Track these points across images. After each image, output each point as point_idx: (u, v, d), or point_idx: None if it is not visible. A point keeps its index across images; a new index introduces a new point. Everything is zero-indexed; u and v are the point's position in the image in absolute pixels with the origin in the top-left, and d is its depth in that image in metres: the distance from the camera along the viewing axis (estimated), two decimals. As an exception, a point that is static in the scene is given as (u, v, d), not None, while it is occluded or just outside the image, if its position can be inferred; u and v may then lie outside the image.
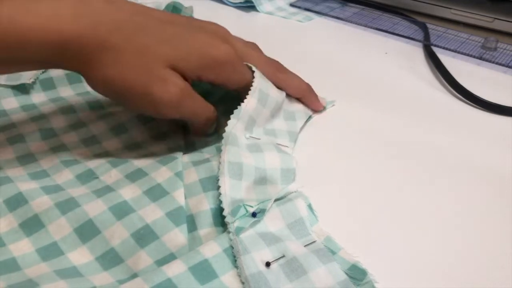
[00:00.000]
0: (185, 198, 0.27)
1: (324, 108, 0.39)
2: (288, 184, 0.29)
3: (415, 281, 0.24)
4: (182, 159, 0.30)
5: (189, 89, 0.30)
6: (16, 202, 0.27)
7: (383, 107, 0.40)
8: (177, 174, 0.28)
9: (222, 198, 0.26)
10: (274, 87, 0.34)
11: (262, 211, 0.26)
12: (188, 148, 0.33)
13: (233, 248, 0.24)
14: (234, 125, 0.30)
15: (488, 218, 0.29)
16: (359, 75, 0.45)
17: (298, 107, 0.37)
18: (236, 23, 0.56)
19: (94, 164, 0.30)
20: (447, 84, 0.43)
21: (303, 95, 0.37)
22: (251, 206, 0.26)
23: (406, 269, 0.25)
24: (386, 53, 0.50)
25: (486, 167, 0.33)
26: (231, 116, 0.30)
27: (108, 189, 0.28)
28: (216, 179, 0.27)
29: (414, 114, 0.39)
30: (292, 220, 0.26)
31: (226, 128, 0.29)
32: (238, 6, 0.60)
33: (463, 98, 0.41)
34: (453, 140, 0.36)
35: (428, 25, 0.54)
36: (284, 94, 0.35)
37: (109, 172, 0.30)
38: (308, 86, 0.38)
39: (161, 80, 0.28)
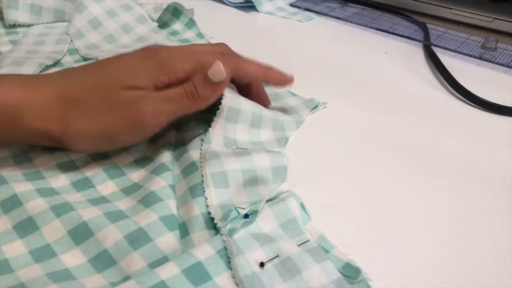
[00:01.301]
0: (177, 209, 0.27)
1: (316, 108, 0.38)
2: (281, 182, 0.29)
3: (410, 279, 0.24)
4: (174, 171, 0.30)
5: (155, 93, 0.29)
6: (11, 204, 0.27)
7: (382, 107, 0.40)
8: (170, 186, 0.28)
9: (210, 209, 0.26)
10: (247, 99, 0.34)
11: (255, 213, 0.26)
12: (178, 146, 0.33)
13: (226, 249, 0.24)
14: (209, 147, 0.30)
15: (488, 217, 0.29)
16: (359, 75, 0.45)
17: (286, 117, 0.36)
18: (236, 23, 0.56)
19: (90, 172, 0.30)
20: (447, 84, 0.43)
21: (264, 75, 0.34)
22: (243, 208, 0.26)
23: (400, 267, 0.25)
24: (386, 53, 0.49)
25: (486, 167, 0.33)
26: (203, 143, 0.31)
27: (103, 199, 0.28)
28: (203, 189, 0.28)
29: (414, 114, 0.39)
30: (285, 220, 0.26)
31: (201, 152, 0.30)
32: (238, 6, 0.60)
33: (463, 98, 0.41)
34: (453, 140, 0.36)
35: (428, 25, 0.54)
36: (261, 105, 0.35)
37: (105, 183, 0.30)
38: (266, 65, 0.35)
39: (128, 104, 0.28)
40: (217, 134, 0.32)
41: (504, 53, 0.48)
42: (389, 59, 0.48)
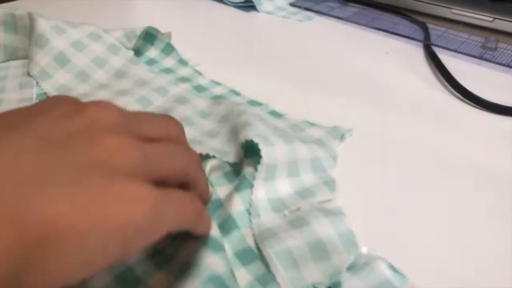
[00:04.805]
0: None
1: (343, 137, 0.35)
2: (354, 249, 0.25)
3: (413, 279, 0.24)
4: (226, 251, 0.26)
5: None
6: None
7: (382, 107, 0.40)
8: (226, 273, 0.24)
9: None
10: (282, 143, 0.29)
11: (337, 284, 0.23)
12: (217, 209, 0.28)
13: None
14: (259, 222, 0.27)
15: (488, 218, 0.29)
16: (359, 75, 0.45)
17: (322, 152, 0.32)
18: (236, 23, 0.56)
19: None
20: (447, 84, 0.43)
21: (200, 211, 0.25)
22: (321, 283, 0.23)
23: (401, 267, 0.25)
24: (386, 53, 0.49)
25: (486, 167, 0.33)
26: (251, 218, 0.27)
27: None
28: (272, 275, 0.24)
29: (414, 114, 0.39)
30: (377, 282, 0.23)
31: (253, 231, 0.26)
32: (238, 6, 0.60)
33: (463, 98, 0.41)
34: (453, 140, 0.36)
35: (428, 25, 0.54)
36: (296, 145, 0.30)
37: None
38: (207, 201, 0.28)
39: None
40: (261, 200, 0.28)
41: (504, 53, 0.48)
42: (389, 59, 0.48)
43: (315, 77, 0.44)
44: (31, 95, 0.38)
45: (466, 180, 0.32)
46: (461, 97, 0.41)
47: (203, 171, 0.25)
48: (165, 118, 0.23)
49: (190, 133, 0.34)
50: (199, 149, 0.31)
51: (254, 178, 0.28)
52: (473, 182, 0.31)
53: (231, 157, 0.30)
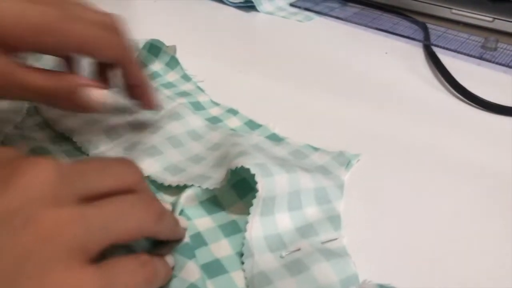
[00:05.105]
0: None
1: (350, 164, 0.32)
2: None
3: (415, 280, 0.24)
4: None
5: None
6: None
7: (382, 107, 0.40)
8: None
9: None
10: (283, 172, 0.27)
11: None
12: (198, 247, 0.26)
13: None
14: (253, 264, 0.25)
15: (488, 217, 0.29)
16: (359, 75, 0.45)
17: (326, 181, 0.30)
18: (236, 23, 0.56)
19: None
20: (447, 84, 0.43)
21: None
22: None
23: (400, 266, 0.25)
24: (386, 53, 0.49)
25: (486, 167, 0.33)
26: (244, 259, 0.25)
27: None
28: None
29: (414, 114, 0.39)
30: None
31: (245, 274, 0.24)
32: (238, 6, 0.60)
33: (463, 98, 0.41)
34: (453, 140, 0.36)
35: (428, 25, 0.54)
36: (298, 174, 0.28)
37: None
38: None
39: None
40: (256, 238, 0.26)
41: (504, 53, 0.48)
42: (389, 59, 0.48)
43: (314, 77, 0.44)
44: (22, 107, 0.37)
45: (466, 180, 0.32)
46: (461, 97, 0.41)
47: (167, 217, 0.23)
48: (119, 165, 0.21)
49: (175, 156, 0.32)
50: (178, 179, 0.30)
51: (246, 221, 0.26)
52: (472, 182, 0.31)
53: (212, 182, 0.28)
